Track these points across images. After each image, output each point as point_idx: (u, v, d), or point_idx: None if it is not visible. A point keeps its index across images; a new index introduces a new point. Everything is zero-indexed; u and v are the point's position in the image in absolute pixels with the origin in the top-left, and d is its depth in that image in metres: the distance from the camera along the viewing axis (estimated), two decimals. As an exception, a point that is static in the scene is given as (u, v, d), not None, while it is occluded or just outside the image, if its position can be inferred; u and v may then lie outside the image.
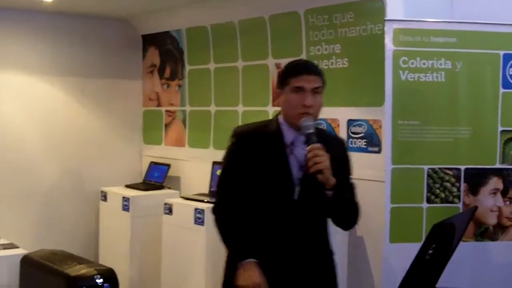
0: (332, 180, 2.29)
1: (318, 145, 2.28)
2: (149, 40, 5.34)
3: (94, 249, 5.01)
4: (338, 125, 3.81)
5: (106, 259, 4.65)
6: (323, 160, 2.25)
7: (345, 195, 2.40)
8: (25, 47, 4.66)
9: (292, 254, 2.36)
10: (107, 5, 4.66)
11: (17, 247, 3.94)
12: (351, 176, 2.52)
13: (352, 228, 2.68)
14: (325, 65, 3.86)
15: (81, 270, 3.25)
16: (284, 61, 3.91)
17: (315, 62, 3.87)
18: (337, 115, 3.82)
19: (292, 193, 2.36)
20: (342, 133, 3.77)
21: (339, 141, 2.65)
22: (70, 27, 4.87)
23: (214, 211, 2.44)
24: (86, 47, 4.96)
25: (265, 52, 4.26)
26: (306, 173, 2.33)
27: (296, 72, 2.38)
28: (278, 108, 2.45)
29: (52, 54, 4.79)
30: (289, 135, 2.41)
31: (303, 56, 3.98)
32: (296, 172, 2.39)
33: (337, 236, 2.94)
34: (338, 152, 2.46)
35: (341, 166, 2.43)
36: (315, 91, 2.36)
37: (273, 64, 4.23)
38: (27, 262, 3.40)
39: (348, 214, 2.45)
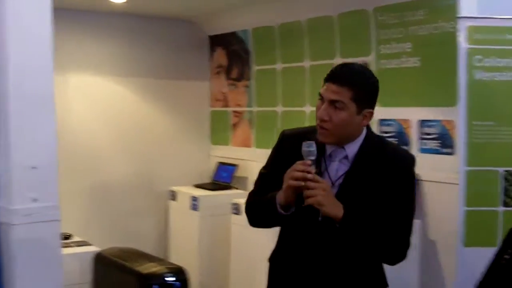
0: (336, 213, 2.00)
1: (311, 174, 1.99)
2: (216, 41, 5.40)
3: (164, 248, 5.11)
4: (410, 126, 3.76)
5: (176, 258, 4.74)
6: (317, 193, 1.97)
7: (364, 229, 2.06)
8: (96, 49, 4.79)
9: (314, 283, 2.13)
10: (175, 6, 4.74)
11: (90, 245, 4.07)
12: (405, 204, 2.13)
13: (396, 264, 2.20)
14: (396, 64, 3.82)
15: (152, 268, 3.33)
16: (352, 61, 3.90)
17: (383, 61, 3.91)
18: (408, 115, 3.77)
19: (317, 213, 2.04)
20: (414, 134, 3.72)
21: (404, 159, 2.19)
22: (140, 28, 4.98)
23: (245, 211, 2.30)
24: (155, 48, 5.07)
25: (333, 52, 4.24)
26: (339, 194, 2.07)
27: (326, 77, 2.09)
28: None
29: (122, 55, 4.91)
30: (329, 146, 2.13)
31: (373, 55, 3.94)
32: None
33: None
34: (396, 173, 2.11)
35: (392, 190, 2.09)
36: (335, 105, 2.03)
37: (341, 64, 4.21)
38: (99, 259, 3.50)
39: (376, 251, 2.12)
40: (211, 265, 4.66)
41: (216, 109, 5.47)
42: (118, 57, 4.91)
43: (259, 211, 2.23)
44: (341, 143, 2.12)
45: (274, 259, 2.28)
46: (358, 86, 2.04)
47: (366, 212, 2.06)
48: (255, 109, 5.05)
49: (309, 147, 2.02)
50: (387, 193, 2.09)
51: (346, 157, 2.13)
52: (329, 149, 2.13)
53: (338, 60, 4.19)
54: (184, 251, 4.76)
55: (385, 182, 2.09)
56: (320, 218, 2.04)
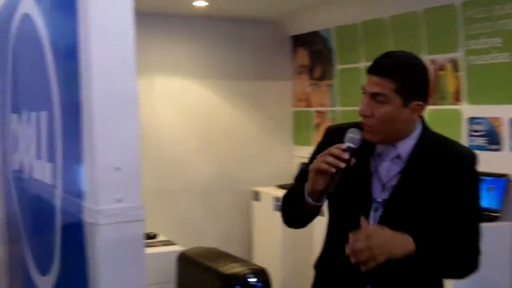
0: (404, 251, 1.76)
1: (365, 229, 1.76)
2: (299, 41, 5.39)
3: (247, 248, 5.15)
4: (501, 124, 3.61)
5: (259, 258, 4.77)
6: (370, 254, 1.71)
7: (438, 251, 1.83)
8: (179, 51, 4.90)
9: None
10: (257, 8, 4.77)
11: (175, 244, 4.15)
12: (470, 206, 1.91)
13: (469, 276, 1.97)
14: (485, 60, 3.68)
15: (235, 268, 3.35)
16: (438, 57, 3.78)
17: (472, 57, 3.77)
18: (499, 113, 3.63)
19: (366, 218, 1.87)
20: (505, 132, 3.57)
21: (465, 156, 1.95)
22: (222, 30, 5.05)
23: (281, 208, 2.17)
24: (237, 50, 5.12)
25: (419, 48, 4.14)
26: (392, 197, 1.89)
27: (368, 69, 1.92)
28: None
29: (205, 57, 5.00)
30: (379, 144, 1.95)
31: (460, 52, 3.82)
32: (377, 193, 1.93)
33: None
34: (457, 172, 1.89)
35: (455, 191, 1.87)
36: (377, 98, 1.85)
37: (427, 61, 4.10)
38: (183, 259, 3.56)
39: (446, 267, 1.88)
40: (294, 266, 4.66)
41: (298, 109, 5.46)
42: (201, 59, 4.99)
43: (290, 205, 2.09)
44: (390, 141, 1.92)
45: (320, 266, 2.13)
46: (402, 76, 1.84)
47: (427, 221, 1.85)
48: (338, 108, 4.99)
49: (352, 133, 1.89)
50: (448, 195, 1.87)
51: (398, 156, 1.93)
52: (378, 148, 1.95)
53: (424, 57, 4.09)
54: (267, 251, 4.77)
55: (445, 182, 1.88)
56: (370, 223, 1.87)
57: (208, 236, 4.78)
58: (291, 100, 5.52)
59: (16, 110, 3.54)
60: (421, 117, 1.98)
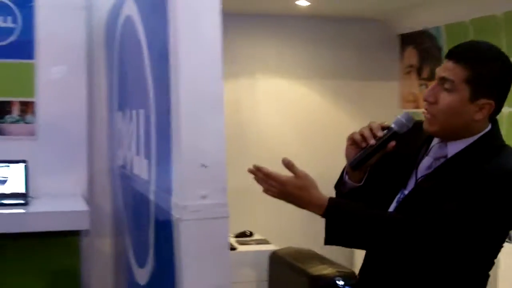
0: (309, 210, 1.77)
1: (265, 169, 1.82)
2: (407, 40, 5.30)
3: (349, 252, 5.12)
4: None
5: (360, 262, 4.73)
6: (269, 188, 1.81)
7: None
8: (282, 51, 4.96)
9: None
10: (362, 6, 4.74)
11: (269, 243, 4.22)
12: (462, 204, 1.63)
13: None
14: None
15: (323, 270, 3.37)
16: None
17: None
18: None
19: (388, 207, 1.81)
20: None
21: (497, 169, 1.65)
22: (326, 30, 5.05)
23: None
24: (341, 49, 5.10)
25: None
26: (412, 193, 1.77)
27: (446, 54, 1.74)
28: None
29: (309, 57, 5.02)
30: (434, 141, 1.81)
31: None
32: (410, 186, 1.81)
33: None
34: (476, 181, 1.64)
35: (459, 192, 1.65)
36: (444, 85, 1.67)
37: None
38: (274, 258, 3.62)
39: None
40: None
41: (407, 111, 5.36)
42: (304, 59, 5.02)
43: (336, 189, 1.98)
44: (446, 137, 1.75)
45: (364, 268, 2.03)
46: (476, 65, 1.65)
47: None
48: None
49: (402, 117, 1.78)
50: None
51: (446, 156, 1.75)
52: (432, 144, 1.80)
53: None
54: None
55: (475, 194, 1.64)
56: None
57: (302, 237, 4.80)
58: (398, 100, 5.42)
59: (121, 108, 3.76)
60: (494, 123, 1.77)
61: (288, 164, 1.87)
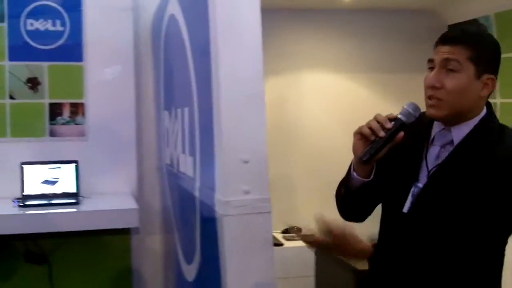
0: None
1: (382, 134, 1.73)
2: (457, 30, 5.21)
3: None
4: None
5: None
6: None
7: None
8: (327, 46, 4.94)
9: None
10: (409, -3, 4.70)
11: (316, 239, 4.24)
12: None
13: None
14: None
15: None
16: None
17: None
18: None
19: (402, 205, 1.81)
20: None
21: None
22: (371, 22, 5.00)
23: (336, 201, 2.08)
24: (389, 42, 5.04)
25: None
26: (427, 185, 1.77)
27: (436, 42, 1.78)
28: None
29: (354, 51, 4.98)
30: (435, 128, 1.84)
31: None
32: (422, 179, 1.81)
33: None
34: (503, 168, 1.68)
35: (496, 191, 1.67)
36: (448, 67, 1.71)
37: None
38: (321, 254, 3.62)
39: None
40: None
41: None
42: (349, 53, 4.98)
43: (340, 189, 2.00)
44: (454, 120, 1.77)
45: (372, 259, 2.02)
46: (475, 44, 1.73)
47: (459, 216, 1.68)
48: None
49: (408, 107, 1.80)
50: (489, 191, 1.68)
51: (451, 142, 1.79)
52: (433, 131, 1.83)
53: None
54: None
55: (489, 177, 1.68)
56: (405, 210, 1.78)
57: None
58: (448, 92, 5.31)
59: (167, 107, 3.82)
60: (488, 105, 1.84)
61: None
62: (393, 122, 1.79)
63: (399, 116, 1.80)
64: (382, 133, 1.77)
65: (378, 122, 1.79)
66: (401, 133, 1.78)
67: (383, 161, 1.85)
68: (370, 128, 1.79)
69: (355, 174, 1.87)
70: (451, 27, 1.80)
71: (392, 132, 1.78)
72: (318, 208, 4.98)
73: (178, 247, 3.63)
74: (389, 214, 1.92)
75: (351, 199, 1.96)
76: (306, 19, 4.83)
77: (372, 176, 1.86)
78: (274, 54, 4.53)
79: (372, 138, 1.78)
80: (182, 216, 3.47)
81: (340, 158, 4.89)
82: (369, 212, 2.05)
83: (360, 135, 1.82)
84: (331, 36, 4.97)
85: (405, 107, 1.81)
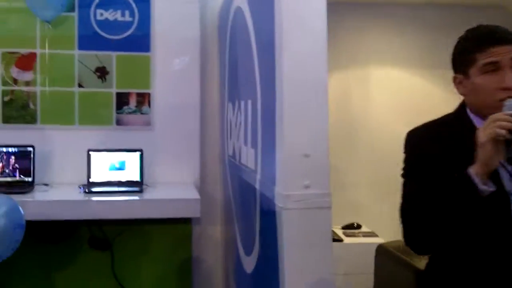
0: None
1: None
2: (532, 26, 5.05)
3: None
4: None
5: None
6: None
7: None
8: (394, 41, 4.87)
9: None
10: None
11: (376, 236, 4.22)
12: None
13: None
14: None
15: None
16: None
17: None
18: None
19: (508, 210, 1.73)
20: None
21: None
22: (439, 17, 4.90)
23: (404, 230, 1.94)
24: (455, 38, 4.93)
25: None
26: None
27: (486, 43, 1.78)
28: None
29: (425, 46, 4.89)
30: None
31: None
32: (508, 183, 1.77)
33: None
34: None
35: None
36: None
37: None
38: (381, 251, 3.59)
39: None
40: None
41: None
42: (420, 48, 4.90)
43: (432, 214, 1.80)
44: None
45: (431, 267, 1.94)
46: None
47: None
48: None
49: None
50: None
51: None
52: None
53: None
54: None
55: None
56: None
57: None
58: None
59: (231, 99, 3.86)
60: None
61: None
62: None
63: None
64: None
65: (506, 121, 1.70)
66: None
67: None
68: (504, 127, 1.68)
69: (481, 185, 1.71)
70: (486, 27, 1.75)
71: None
72: (379, 205, 4.98)
73: (238, 238, 3.67)
74: (492, 225, 1.80)
75: (458, 221, 1.79)
76: (373, 12, 4.78)
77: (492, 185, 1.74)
78: (339, 48, 4.51)
79: (508, 136, 1.67)
80: (242, 207, 3.50)
81: (403, 156, 4.87)
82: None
83: (492, 140, 1.69)
84: (397, 30, 4.90)
85: (509, 103, 1.73)
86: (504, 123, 1.66)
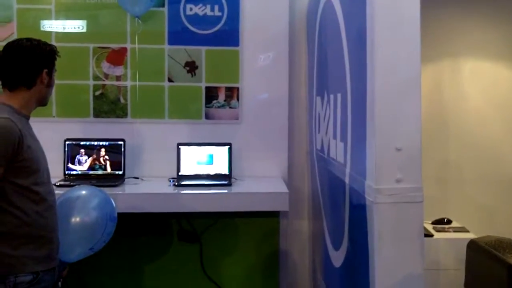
0: None
1: None
2: None
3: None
4: None
5: None
6: None
7: None
8: (487, 32, 4.73)
9: None
10: None
11: (467, 231, 4.16)
12: None
13: None
14: None
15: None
16: None
17: None
18: None
19: None
20: None
21: None
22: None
23: None
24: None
25: None
26: None
27: None
28: None
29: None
30: None
31: None
32: None
33: None
34: None
35: None
36: None
37: None
38: (472, 246, 3.52)
39: None
40: None
41: None
42: (510, 40, 4.75)
43: None
44: None
45: None
46: None
47: None
48: None
49: None
50: None
51: None
52: None
53: None
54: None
55: None
56: None
57: (504, 225, 4.57)
58: None
59: (320, 93, 3.89)
60: None
61: None
62: None
63: None
64: None
65: None
66: None
67: None
68: None
69: None
70: None
71: None
72: (471, 200, 4.87)
73: (326, 233, 3.70)
74: None
75: None
76: (465, 4, 4.67)
77: None
78: (430, 40, 4.44)
79: None
80: (331, 201, 3.53)
81: (497, 148, 4.76)
82: None
83: None
84: (491, 21, 4.76)
85: None
86: None
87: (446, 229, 4.28)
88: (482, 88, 4.77)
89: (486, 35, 4.76)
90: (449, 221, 4.43)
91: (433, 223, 4.44)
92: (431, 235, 4.17)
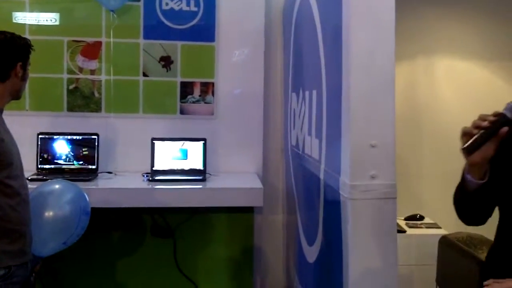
0: None
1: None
2: None
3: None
4: None
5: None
6: None
7: None
8: (463, 31, 4.79)
9: None
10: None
11: (439, 227, 4.24)
12: None
13: None
14: None
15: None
16: None
17: None
18: None
19: None
20: None
21: None
22: (509, 7, 4.80)
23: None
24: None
25: None
26: None
27: None
28: None
29: (489, 38, 4.80)
30: None
31: None
32: None
33: None
34: None
35: None
36: None
37: None
38: (444, 242, 3.59)
39: None
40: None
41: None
42: (484, 40, 4.81)
43: (457, 195, 2.08)
44: None
45: (490, 260, 2.04)
46: None
47: None
48: None
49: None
50: None
51: None
52: None
53: None
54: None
55: None
56: None
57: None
58: None
59: (295, 89, 3.91)
60: None
61: None
62: (498, 118, 1.85)
63: (504, 111, 1.86)
64: (484, 123, 1.84)
65: (481, 118, 1.86)
66: (505, 129, 1.83)
67: (498, 162, 1.92)
68: (472, 124, 1.86)
69: (469, 176, 1.94)
70: None
71: (494, 124, 1.85)
72: (443, 197, 4.91)
73: (300, 228, 3.72)
74: (508, 215, 1.95)
75: (468, 202, 2.05)
76: (441, 1, 4.72)
77: (486, 178, 1.92)
78: (405, 37, 4.48)
79: (475, 132, 1.85)
80: (305, 197, 3.55)
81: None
82: (488, 215, 2.12)
83: (463, 133, 1.88)
84: (466, 20, 4.82)
85: (510, 103, 1.86)
86: (476, 120, 1.86)
87: (418, 225, 4.35)
88: (456, 86, 4.82)
89: (461, 34, 4.82)
90: (421, 217, 4.49)
91: (405, 219, 4.50)
92: (404, 231, 4.24)
